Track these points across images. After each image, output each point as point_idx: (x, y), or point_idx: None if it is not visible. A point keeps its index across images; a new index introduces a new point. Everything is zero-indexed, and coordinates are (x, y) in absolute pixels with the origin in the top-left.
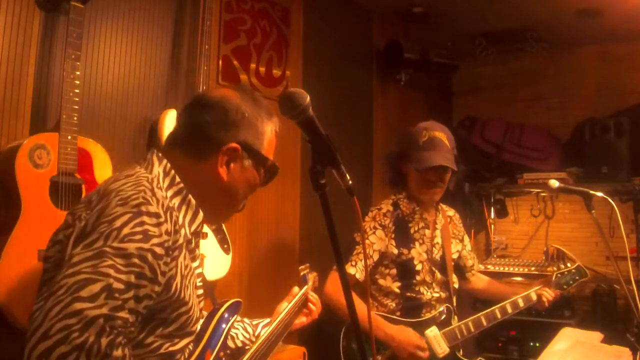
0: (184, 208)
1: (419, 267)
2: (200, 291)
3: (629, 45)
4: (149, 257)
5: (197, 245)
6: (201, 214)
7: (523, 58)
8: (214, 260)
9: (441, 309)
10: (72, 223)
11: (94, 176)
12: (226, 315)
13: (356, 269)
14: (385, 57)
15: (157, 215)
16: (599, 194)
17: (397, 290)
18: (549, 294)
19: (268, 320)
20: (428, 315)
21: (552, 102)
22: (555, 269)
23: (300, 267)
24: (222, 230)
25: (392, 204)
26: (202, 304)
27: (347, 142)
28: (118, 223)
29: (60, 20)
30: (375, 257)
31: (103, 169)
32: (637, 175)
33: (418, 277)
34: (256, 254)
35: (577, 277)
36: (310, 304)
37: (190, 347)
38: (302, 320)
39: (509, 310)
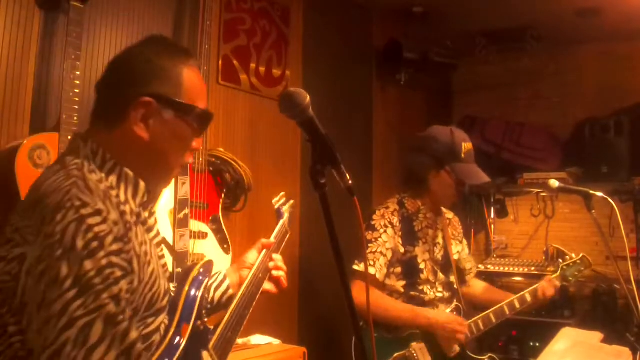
0: (122, 184)
1: (422, 265)
2: (164, 261)
3: (629, 44)
4: (114, 259)
5: (149, 216)
6: (142, 184)
7: (523, 57)
8: (214, 260)
9: (451, 307)
10: (16, 239)
11: None
12: (200, 278)
13: (375, 269)
14: (385, 56)
15: (98, 212)
16: (599, 193)
17: (402, 289)
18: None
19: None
20: None
21: (552, 102)
22: (561, 261)
23: (273, 201)
24: (222, 230)
25: (398, 202)
26: (168, 273)
27: (347, 142)
28: (68, 239)
29: (60, 20)
30: (389, 255)
31: None
32: (637, 175)
33: (422, 276)
34: None
35: (582, 268)
36: (276, 271)
37: (166, 322)
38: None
39: (517, 305)
